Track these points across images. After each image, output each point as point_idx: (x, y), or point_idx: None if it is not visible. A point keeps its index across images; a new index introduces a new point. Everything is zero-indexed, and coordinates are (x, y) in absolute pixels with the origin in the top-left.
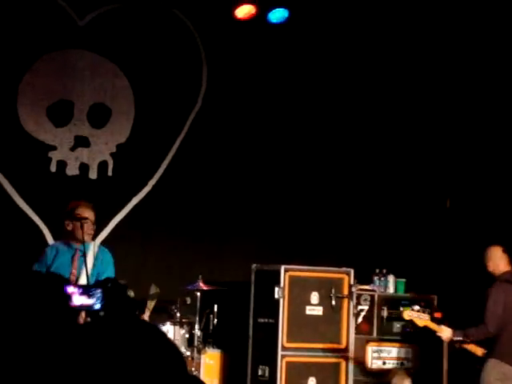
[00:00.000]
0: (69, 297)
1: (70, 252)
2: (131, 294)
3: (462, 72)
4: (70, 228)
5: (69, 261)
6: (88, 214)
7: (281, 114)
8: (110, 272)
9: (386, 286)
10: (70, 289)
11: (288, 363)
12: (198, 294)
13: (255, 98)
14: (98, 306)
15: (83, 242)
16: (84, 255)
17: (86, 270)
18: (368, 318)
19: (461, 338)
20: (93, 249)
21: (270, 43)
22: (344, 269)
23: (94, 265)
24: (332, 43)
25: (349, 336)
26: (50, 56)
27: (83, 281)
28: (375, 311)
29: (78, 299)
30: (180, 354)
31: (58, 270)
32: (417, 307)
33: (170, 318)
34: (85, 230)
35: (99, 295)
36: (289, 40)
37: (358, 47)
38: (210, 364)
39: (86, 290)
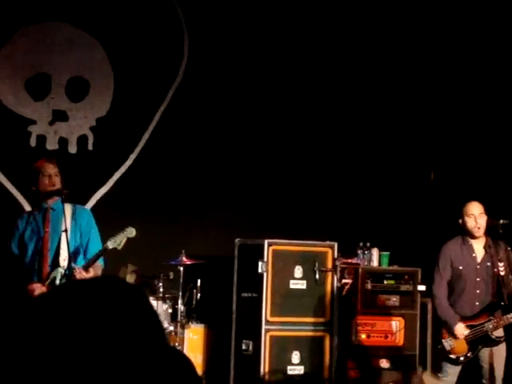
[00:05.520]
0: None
1: (42, 212)
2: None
3: (442, 49)
4: (34, 189)
5: (41, 222)
6: (46, 166)
7: (263, 86)
8: (94, 232)
9: (369, 260)
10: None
11: (272, 337)
12: (181, 268)
13: (237, 70)
14: None
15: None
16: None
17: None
18: (352, 291)
19: None
20: (68, 208)
21: (251, 14)
22: (328, 242)
23: (74, 223)
24: (316, 13)
25: (333, 309)
26: (27, 29)
27: (63, 239)
28: (359, 284)
29: None
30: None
31: (31, 235)
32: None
33: (153, 293)
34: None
35: None
36: (271, 10)
37: (334, 14)
38: (193, 339)
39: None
